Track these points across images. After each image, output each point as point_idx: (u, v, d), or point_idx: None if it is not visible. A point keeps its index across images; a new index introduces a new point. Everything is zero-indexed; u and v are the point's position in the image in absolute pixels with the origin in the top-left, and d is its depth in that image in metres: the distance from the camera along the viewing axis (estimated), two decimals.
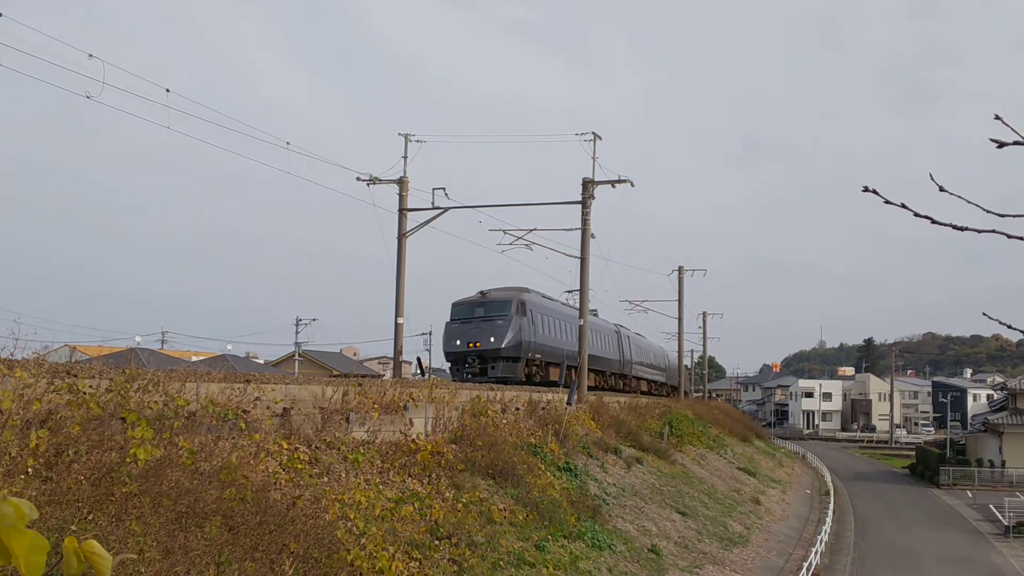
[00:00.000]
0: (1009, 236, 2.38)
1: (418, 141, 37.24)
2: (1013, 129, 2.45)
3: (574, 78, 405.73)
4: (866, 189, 2.59)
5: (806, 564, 27.02)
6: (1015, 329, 3.08)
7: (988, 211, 2.49)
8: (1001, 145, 2.38)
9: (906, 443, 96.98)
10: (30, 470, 8.94)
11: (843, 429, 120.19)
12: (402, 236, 36.84)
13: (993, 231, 2.38)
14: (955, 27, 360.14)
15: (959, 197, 2.58)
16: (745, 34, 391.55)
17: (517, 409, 27.05)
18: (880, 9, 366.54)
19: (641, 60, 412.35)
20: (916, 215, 2.51)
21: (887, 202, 2.56)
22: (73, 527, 8.17)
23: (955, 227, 2.45)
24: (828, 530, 35.00)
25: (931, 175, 2.61)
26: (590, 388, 38.55)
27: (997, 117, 2.42)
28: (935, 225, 2.47)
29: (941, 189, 2.70)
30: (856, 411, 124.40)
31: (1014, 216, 2.48)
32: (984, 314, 3.23)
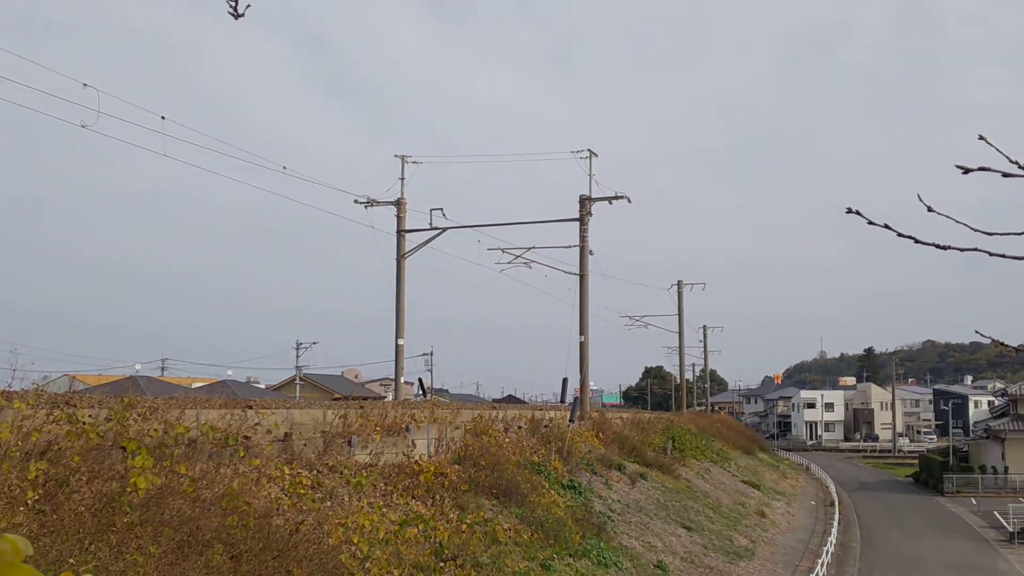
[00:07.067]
0: (991, 254, 2.40)
1: (414, 162, 37.39)
2: (998, 149, 2.47)
3: (571, 96, 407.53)
4: (850, 211, 2.61)
5: (813, 575, 26.93)
6: (1008, 347, 3.10)
7: (976, 230, 2.51)
8: (966, 171, 2.41)
9: (909, 451, 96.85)
10: (29, 502, 8.91)
11: (846, 439, 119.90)
12: (401, 257, 36.90)
13: (975, 249, 2.40)
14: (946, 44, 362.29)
15: (947, 216, 2.60)
16: (737, 52, 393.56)
17: (519, 427, 27.00)
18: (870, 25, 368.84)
19: (639, 78, 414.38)
20: (900, 235, 2.53)
21: (870, 223, 2.58)
22: (72, 559, 8.14)
23: (938, 246, 2.48)
24: (834, 540, 34.90)
25: (919, 195, 2.64)
26: None
27: (981, 137, 2.44)
28: (918, 244, 2.50)
29: (929, 209, 2.72)
30: (858, 421, 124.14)
31: (1001, 234, 2.51)
32: (977, 331, 3.25)
